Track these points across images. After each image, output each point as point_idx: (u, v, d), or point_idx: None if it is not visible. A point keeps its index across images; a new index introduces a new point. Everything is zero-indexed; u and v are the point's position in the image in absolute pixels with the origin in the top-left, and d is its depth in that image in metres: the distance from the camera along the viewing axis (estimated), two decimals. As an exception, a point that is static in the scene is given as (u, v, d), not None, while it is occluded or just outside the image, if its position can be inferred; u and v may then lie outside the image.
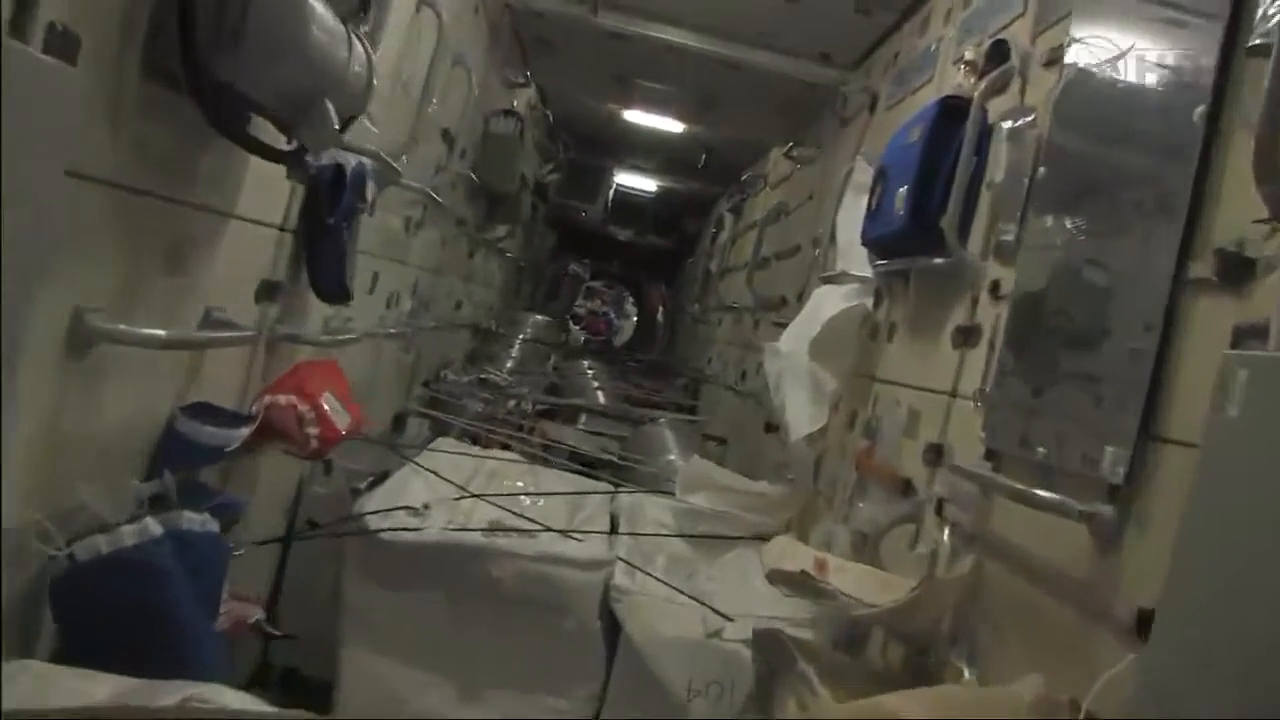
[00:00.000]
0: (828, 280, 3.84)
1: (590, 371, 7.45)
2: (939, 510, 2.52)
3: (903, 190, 2.86)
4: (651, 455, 4.65)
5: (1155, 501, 1.65)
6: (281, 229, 2.65)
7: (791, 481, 3.81)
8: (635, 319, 14.62)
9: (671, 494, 3.83)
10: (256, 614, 2.40)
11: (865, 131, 4.41)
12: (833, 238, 4.02)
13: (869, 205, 3.19)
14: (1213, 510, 1.28)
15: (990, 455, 2.27)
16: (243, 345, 2.21)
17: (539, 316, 8.13)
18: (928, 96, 3.37)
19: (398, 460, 3.68)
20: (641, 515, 3.66)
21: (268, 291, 2.62)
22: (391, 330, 4.07)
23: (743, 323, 6.52)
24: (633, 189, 11.03)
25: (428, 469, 3.47)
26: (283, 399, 2.50)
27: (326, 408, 2.60)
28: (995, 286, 2.51)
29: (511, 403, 5.25)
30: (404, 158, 3.48)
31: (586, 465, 4.83)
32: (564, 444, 4.85)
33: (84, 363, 1.71)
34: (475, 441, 4.45)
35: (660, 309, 13.21)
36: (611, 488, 3.95)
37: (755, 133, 6.77)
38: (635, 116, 7.49)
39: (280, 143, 2.15)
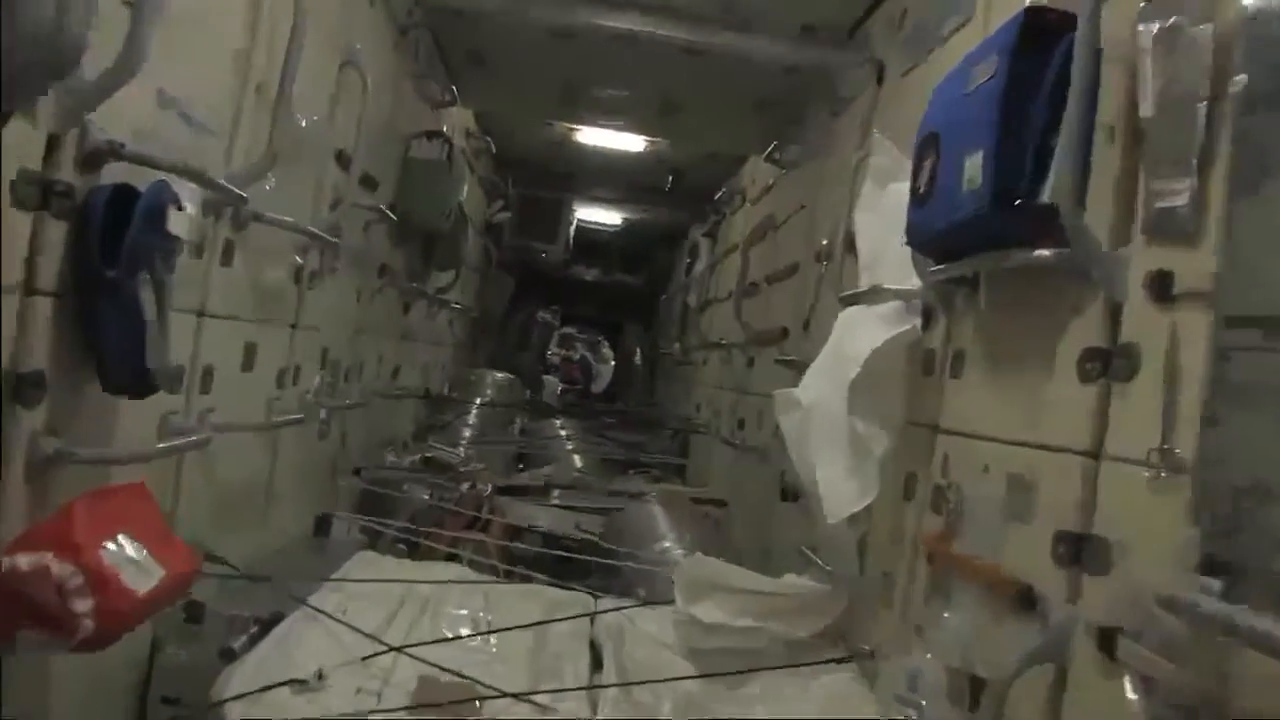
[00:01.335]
0: (850, 300, 2.91)
1: (564, 432, 6.48)
2: (1107, 648, 1.57)
3: (975, 157, 1.93)
4: (641, 543, 3.67)
5: None
6: (30, 290, 1.69)
7: (829, 574, 2.85)
8: (613, 363, 13.78)
9: (670, 601, 2.85)
10: None
11: (872, 112, 3.50)
12: (850, 246, 3.10)
13: (915, 190, 2.25)
14: None
15: (1216, 568, 1.32)
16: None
17: (499, 375, 7.14)
18: (970, 43, 2.45)
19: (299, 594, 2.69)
20: (633, 640, 2.68)
21: (9, 390, 1.65)
22: (288, 416, 3.09)
23: (733, 362, 5.59)
24: (595, 223, 10.10)
25: (330, 615, 2.47)
26: (25, 562, 1.53)
27: (110, 564, 1.62)
28: (1160, 282, 1.57)
29: (465, 485, 4.27)
30: (268, 184, 2.56)
31: (562, 557, 3.87)
32: (528, 536, 3.85)
33: None
34: (413, 550, 3.45)
35: (637, 351, 12.30)
36: (591, 599, 2.96)
37: (727, 139, 5.83)
38: (589, 136, 6.59)
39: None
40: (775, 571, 3.16)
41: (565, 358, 14.39)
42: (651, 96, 5.11)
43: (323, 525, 3.76)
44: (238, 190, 2.25)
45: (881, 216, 2.76)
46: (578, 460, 6.12)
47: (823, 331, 3.69)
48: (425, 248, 5.11)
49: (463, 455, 5.00)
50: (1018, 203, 1.84)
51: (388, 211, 3.81)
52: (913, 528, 2.49)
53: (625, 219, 10.04)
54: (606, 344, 14.06)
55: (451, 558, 3.29)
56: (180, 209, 1.85)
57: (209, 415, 2.47)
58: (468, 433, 5.90)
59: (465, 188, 5.21)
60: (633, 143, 6.60)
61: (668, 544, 3.60)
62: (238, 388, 2.73)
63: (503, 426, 6.49)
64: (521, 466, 6.22)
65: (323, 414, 3.61)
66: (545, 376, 12.75)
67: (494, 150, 6.95)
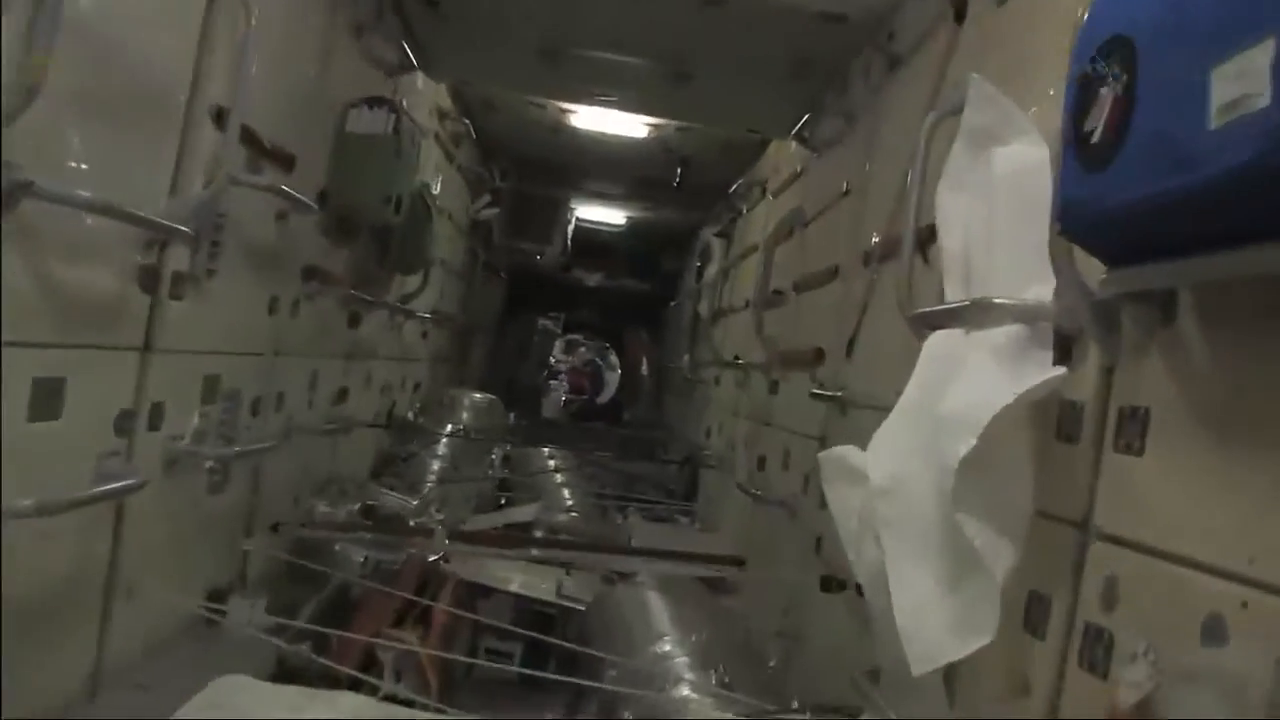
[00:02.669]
0: (932, 321, 1.98)
1: (553, 463, 5.57)
2: None
3: (1241, 62, 1.00)
4: (631, 642, 2.75)
5: None
6: None
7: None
8: (619, 372, 12.98)
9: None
10: None
11: (950, 59, 2.59)
12: (921, 244, 2.20)
13: (1078, 141, 1.33)
14: None
15: None
16: None
17: (476, 396, 6.21)
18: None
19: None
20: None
21: None
22: (130, 481, 2.18)
23: (752, 385, 4.68)
24: (597, 223, 9.21)
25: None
26: None
27: None
28: None
29: (412, 549, 3.34)
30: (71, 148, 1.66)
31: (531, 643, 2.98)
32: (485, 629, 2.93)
33: None
34: (323, 650, 2.53)
35: (644, 362, 11.42)
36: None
37: (751, 115, 4.83)
38: (586, 120, 5.70)
39: None
40: (811, 686, 2.26)
41: (573, 366, 13.59)
42: (655, 61, 4.18)
43: (219, 598, 2.88)
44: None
45: (982, 196, 1.86)
46: (568, 496, 5.20)
47: (873, 356, 2.81)
48: (381, 246, 4.20)
49: (418, 501, 4.07)
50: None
51: (298, 195, 2.87)
52: (1047, 678, 1.58)
53: (630, 218, 9.19)
54: (613, 353, 13.27)
55: (356, 684, 2.35)
56: None
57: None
58: (437, 465, 4.98)
59: (422, 170, 4.25)
60: (634, 127, 5.72)
61: (666, 646, 2.67)
62: (23, 447, 1.83)
63: (481, 455, 5.58)
64: (504, 501, 5.32)
65: (209, 463, 2.71)
66: (551, 382, 11.99)
67: (474, 135, 6.03)
